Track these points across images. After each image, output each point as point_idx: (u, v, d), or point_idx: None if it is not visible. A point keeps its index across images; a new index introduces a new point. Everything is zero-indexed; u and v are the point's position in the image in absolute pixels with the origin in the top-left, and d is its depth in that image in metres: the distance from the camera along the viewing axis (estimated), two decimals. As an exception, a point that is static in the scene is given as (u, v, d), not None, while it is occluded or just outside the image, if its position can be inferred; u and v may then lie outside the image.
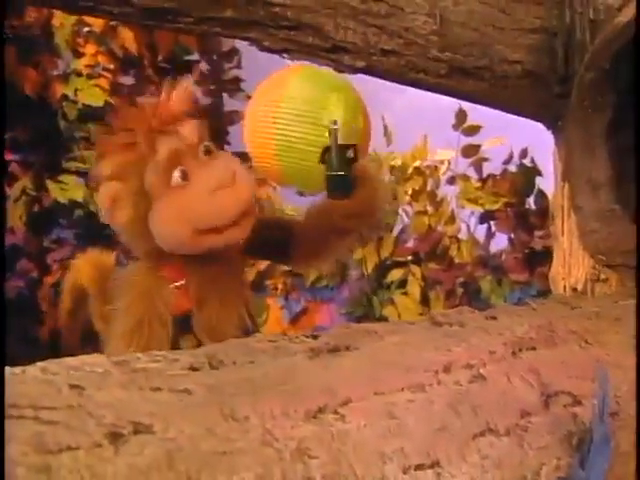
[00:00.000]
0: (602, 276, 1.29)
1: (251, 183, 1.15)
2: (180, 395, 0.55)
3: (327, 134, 1.45)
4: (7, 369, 0.52)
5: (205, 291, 1.11)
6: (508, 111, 1.44)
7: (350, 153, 1.22)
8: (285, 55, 1.32)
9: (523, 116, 1.44)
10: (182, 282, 1.10)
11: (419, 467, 0.59)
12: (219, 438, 0.52)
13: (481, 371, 0.71)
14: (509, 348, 0.76)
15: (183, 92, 1.18)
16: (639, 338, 0.86)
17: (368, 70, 1.32)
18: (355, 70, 1.32)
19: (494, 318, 0.84)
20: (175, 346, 1.06)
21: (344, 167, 1.20)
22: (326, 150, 1.23)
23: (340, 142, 1.38)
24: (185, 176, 1.09)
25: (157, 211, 1.08)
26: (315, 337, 0.71)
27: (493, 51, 1.32)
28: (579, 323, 0.86)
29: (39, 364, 0.54)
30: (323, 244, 1.24)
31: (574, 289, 1.35)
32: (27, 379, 0.51)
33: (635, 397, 0.79)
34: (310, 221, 1.26)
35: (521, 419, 0.69)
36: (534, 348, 0.78)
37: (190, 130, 1.13)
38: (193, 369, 0.60)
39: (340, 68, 1.32)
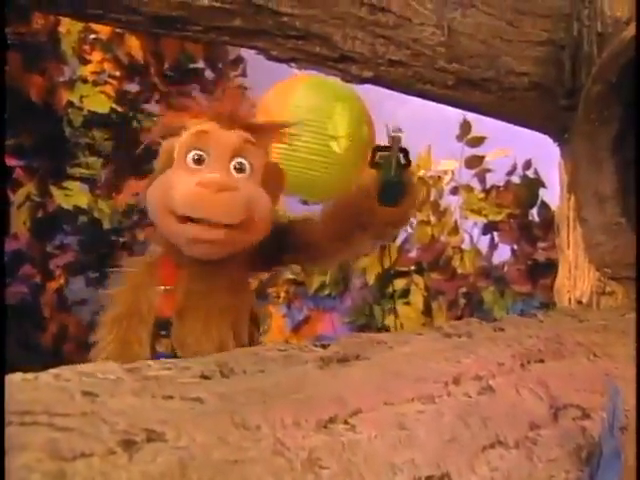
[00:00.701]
0: (608, 289, 1.29)
1: (240, 211, 1.08)
2: (192, 403, 0.55)
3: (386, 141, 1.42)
4: (19, 375, 0.53)
5: (191, 304, 1.11)
6: (515, 123, 1.44)
7: (403, 159, 1.19)
8: (293, 64, 1.31)
9: (530, 128, 1.44)
10: (170, 287, 1.11)
11: (429, 478, 0.59)
12: (231, 447, 0.52)
13: (490, 383, 0.71)
14: (517, 360, 0.76)
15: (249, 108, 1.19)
16: (639, 349, 0.86)
17: (375, 80, 1.32)
18: (362, 80, 1.32)
19: (502, 330, 0.84)
20: (153, 346, 1.08)
21: (400, 173, 1.18)
22: (375, 153, 1.20)
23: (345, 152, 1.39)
24: (199, 162, 1.09)
25: (163, 175, 1.10)
26: (325, 346, 0.71)
27: (500, 63, 1.32)
28: (586, 336, 0.86)
29: (52, 371, 0.54)
30: (340, 246, 1.23)
31: (579, 301, 1.35)
32: (40, 385, 0.51)
33: (635, 401, 0.80)
34: (328, 222, 1.23)
35: (530, 431, 0.69)
36: (542, 360, 0.78)
37: (233, 133, 1.13)
38: (204, 377, 0.60)
39: (347, 78, 1.31)
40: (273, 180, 1.17)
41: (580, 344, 0.83)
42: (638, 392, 0.79)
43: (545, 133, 1.44)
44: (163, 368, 0.59)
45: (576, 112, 1.29)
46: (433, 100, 1.38)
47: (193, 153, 1.09)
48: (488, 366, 0.73)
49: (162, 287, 1.11)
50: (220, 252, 1.11)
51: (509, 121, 1.44)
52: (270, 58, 1.28)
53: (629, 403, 0.78)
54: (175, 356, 1.07)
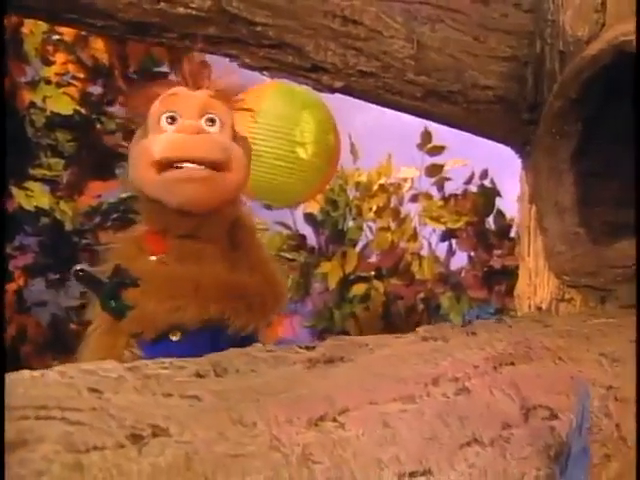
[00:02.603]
0: (567, 296, 1.34)
1: (218, 146, 1.11)
2: (190, 401, 0.58)
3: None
4: (27, 372, 0.55)
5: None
6: (479, 134, 1.48)
7: None
8: (265, 73, 1.34)
9: (493, 140, 1.49)
10: (161, 256, 1.13)
11: (413, 474, 0.63)
12: (231, 442, 0.54)
13: (466, 384, 0.75)
14: (490, 363, 0.80)
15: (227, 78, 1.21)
16: (639, 346, 0.90)
17: (346, 90, 1.36)
18: (333, 90, 1.35)
19: (474, 334, 0.88)
20: None
21: None
22: None
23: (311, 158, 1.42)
24: (173, 121, 1.12)
25: (138, 144, 1.13)
26: (310, 348, 0.74)
27: (466, 77, 1.37)
28: (552, 340, 0.90)
29: (57, 368, 0.56)
30: None
31: (539, 307, 1.40)
32: (50, 382, 0.53)
33: (635, 400, 0.84)
34: None
35: (503, 430, 0.73)
36: (513, 363, 0.82)
37: (201, 92, 1.16)
38: (199, 376, 0.63)
39: (319, 87, 1.35)
40: (244, 146, 1.20)
41: (547, 348, 0.87)
42: (638, 392, 0.84)
43: (508, 145, 1.49)
44: (161, 367, 0.62)
45: (538, 126, 1.34)
46: (402, 111, 1.42)
47: (165, 115, 1.12)
48: (464, 368, 0.76)
49: (153, 257, 1.14)
50: (207, 195, 1.11)
51: (474, 133, 1.48)
52: (243, 66, 1.30)
53: (592, 405, 0.82)
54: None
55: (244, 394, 0.61)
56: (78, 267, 1.11)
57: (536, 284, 1.41)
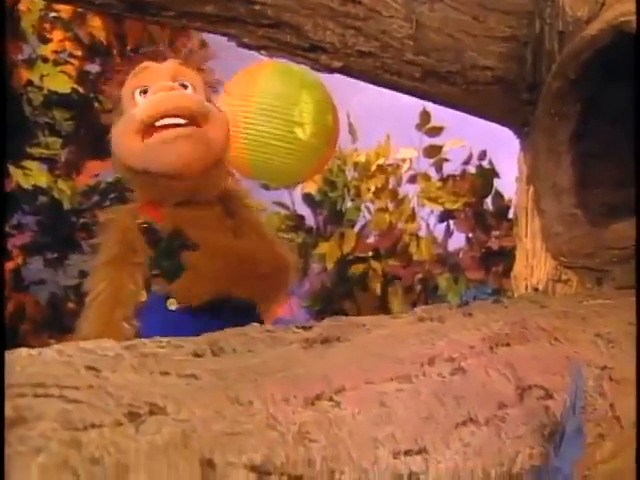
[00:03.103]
0: (563, 277, 1.34)
1: (195, 99, 1.17)
2: (187, 379, 0.58)
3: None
4: (24, 350, 0.55)
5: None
6: (478, 115, 1.48)
7: None
8: (264, 52, 1.34)
9: (492, 120, 1.48)
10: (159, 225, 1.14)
11: (408, 452, 0.63)
12: (228, 420, 0.55)
13: (462, 364, 0.75)
14: (486, 343, 0.80)
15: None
16: (639, 336, 0.91)
17: (344, 70, 1.35)
18: (332, 70, 1.35)
19: (470, 315, 0.88)
20: (148, 287, 1.10)
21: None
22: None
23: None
24: (147, 95, 1.16)
25: (115, 126, 1.16)
26: (307, 328, 0.74)
27: (465, 57, 1.36)
28: (549, 321, 0.90)
29: (55, 346, 0.56)
30: None
31: (536, 288, 1.40)
32: (48, 360, 0.54)
33: (635, 396, 0.84)
34: None
35: (498, 410, 0.73)
36: (508, 344, 0.83)
37: (169, 62, 1.18)
38: (197, 355, 0.63)
39: (317, 67, 1.34)
40: (220, 110, 1.25)
41: (543, 329, 0.88)
42: (638, 391, 0.84)
43: (506, 126, 1.48)
44: (158, 346, 0.62)
45: (537, 107, 1.34)
46: (400, 91, 1.41)
47: (138, 89, 1.16)
48: (460, 348, 0.77)
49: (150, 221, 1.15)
50: (194, 152, 1.14)
51: (473, 113, 1.48)
52: (241, 45, 1.30)
53: (587, 385, 0.83)
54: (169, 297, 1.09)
55: (241, 373, 0.61)
56: (141, 220, 1.13)
57: (533, 265, 1.42)
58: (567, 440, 0.71)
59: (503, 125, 1.49)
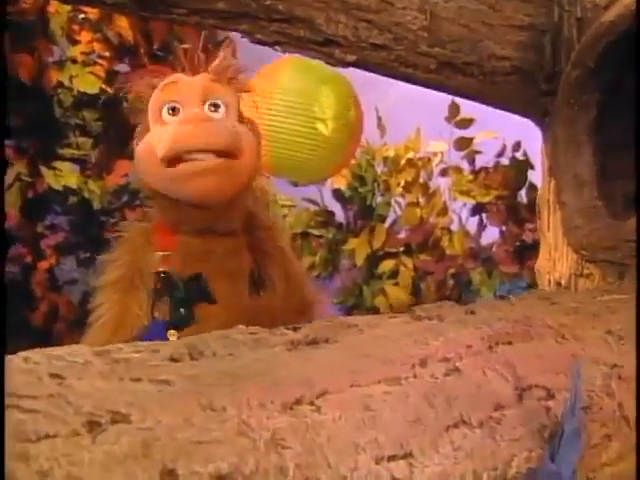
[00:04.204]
0: (585, 271, 1.31)
1: (225, 133, 1.08)
2: (159, 385, 0.57)
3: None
4: (-8, 358, 0.54)
5: (189, 270, 1.11)
6: (496, 107, 1.45)
7: None
8: (277, 47, 1.32)
9: (511, 112, 1.45)
10: (168, 253, 1.11)
11: (392, 458, 0.61)
12: (196, 428, 0.53)
13: (457, 364, 0.73)
14: (486, 342, 0.78)
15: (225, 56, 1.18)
16: (639, 336, 0.88)
17: (359, 64, 1.33)
18: (346, 64, 1.33)
19: (473, 313, 0.86)
20: (151, 312, 1.08)
21: None
22: None
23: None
24: (174, 112, 1.09)
25: (143, 140, 1.10)
26: (296, 329, 0.72)
27: (482, 47, 1.33)
28: (556, 318, 0.87)
29: (22, 353, 0.56)
30: None
31: (558, 283, 1.36)
32: (10, 368, 0.53)
33: (635, 396, 0.81)
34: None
35: (495, 411, 0.71)
36: (510, 342, 0.80)
37: (201, 77, 1.12)
38: (174, 360, 0.62)
39: (331, 62, 1.32)
40: (252, 129, 1.16)
41: (549, 326, 0.85)
42: (638, 391, 0.81)
43: (527, 117, 1.45)
44: (134, 351, 0.61)
45: (556, 96, 1.31)
46: (416, 84, 1.39)
47: (166, 106, 1.09)
48: (456, 348, 0.75)
49: (160, 252, 1.12)
50: (220, 185, 1.08)
51: (491, 105, 1.45)
52: (254, 41, 1.29)
53: (594, 384, 0.80)
54: (170, 322, 1.07)
55: (218, 378, 0.60)
56: (161, 269, 1.10)
57: (555, 259, 1.38)
58: (565, 442, 0.68)
59: (523, 116, 1.45)
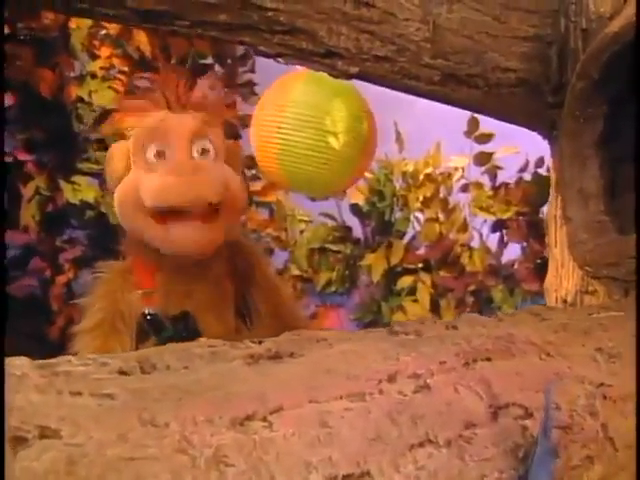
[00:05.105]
0: (590, 288, 1.27)
1: (214, 187, 1.07)
2: (101, 399, 0.55)
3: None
4: None
5: (172, 305, 1.09)
6: (502, 119, 1.43)
7: None
8: (280, 60, 1.31)
9: (517, 124, 1.43)
10: (148, 290, 1.09)
11: (347, 477, 0.59)
12: (130, 444, 0.51)
13: (428, 381, 0.70)
14: (461, 358, 0.75)
15: (206, 86, 1.16)
16: (639, 342, 0.84)
17: (362, 76, 1.32)
18: (349, 76, 1.31)
19: (455, 328, 0.83)
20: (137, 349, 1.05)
21: None
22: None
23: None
24: (160, 155, 1.07)
25: (124, 181, 1.08)
26: (260, 343, 0.70)
27: (486, 59, 1.31)
28: (542, 335, 0.84)
29: (-40, 365, 0.54)
30: None
31: (564, 300, 1.33)
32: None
33: (636, 399, 0.78)
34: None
35: (465, 430, 0.68)
36: (489, 359, 0.77)
37: (189, 118, 1.10)
38: (122, 373, 0.60)
39: (334, 73, 1.31)
40: (234, 158, 1.16)
41: (533, 343, 0.82)
42: (638, 392, 0.78)
43: (534, 130, 1.43)
44: (81, 364, 0.59)
45: (562, 109, 1.28)
46: (420, 96, 1.37)
47: (153, 148, 1.06)
48: (428, 364, 0.72)
49: (140, 291, 1.10)
50: (208, 241, 1.07)
51: (496, 117, 1.43)
52: (257, 53, 1.28)
53: (577, 403, 0.77)
54: None
55: (166, 393, 0.58)
56: (147, 311, 1.08)
57: (562, 276, 1.35)
58: (537, 463, 0.65)
59: (529, 129, 1.43)
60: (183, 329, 1.07)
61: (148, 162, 1.06)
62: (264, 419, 0.59)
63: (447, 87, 1.33)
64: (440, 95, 1.35)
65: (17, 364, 0.56)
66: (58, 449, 0.48)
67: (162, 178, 1.04)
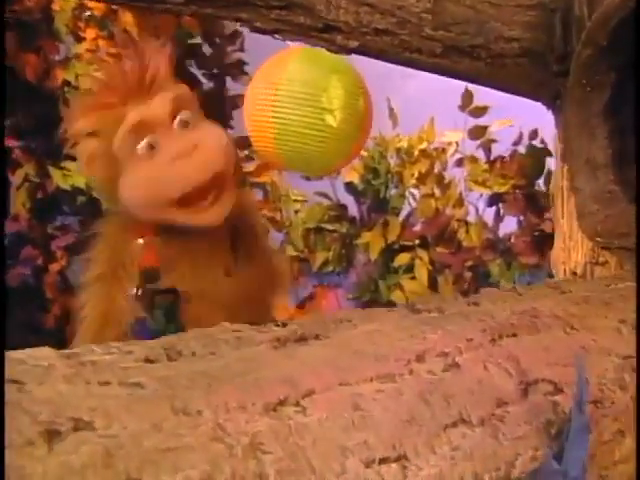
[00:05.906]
0: (601, 259, 1.26)
1: (218, 153, 1.12)
2: (130, 389, 0.53)
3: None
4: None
5: (173, 253, 1.12)
6: (506, 90, 1.40)
7: None
8: (277, 36, 1.28)
9: (521, 95, 1.40)
10: (149, 238, 1.10)
11: (384, 461, 0.57)
12: (165, 434, 0.49)
13: (456, 359, 0.68)
14: (488, 335, 0.73)
15: (159, 57, 1.16)
16: (639, 341, 0.83)
17: (362, 50, 1.29)
18: (348, 50, 1.29)
19: (476, 304, 0.81)
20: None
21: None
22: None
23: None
24: (152, 146, 1.09)
25: (126, 178, 1.10)
26: (284, 325, 0.68)
27: (489, 29, 1.29)
28: (565, 308, 0.83)
29: (-19, 358, 0.52)
30: None
31: (574, 273, 1.32)
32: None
33: (636, 397, 0.77)
34: None
35: (497, 408, 0.66)
36: (515, 335, 0.76)
37: (161, 102, 1.11)
38: (149, 361, 0.58)
39: (333, 48, 1.28)
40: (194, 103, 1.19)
41: (557, 317, 0.80)
42: (638, 389, 0.77)
43: (537, 100, 1.40)
44: (105, 353, 0.57)
45: (568, 78, 1.26)
46: (422, 69, 1.35)
47: (143, 144, 1.09)
48: (455, 342, 0.70)
49: (141, 239, 1.11)
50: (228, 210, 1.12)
51: (500, 89, 1.40)
52: (254, 30, 1.25)
53: (605, 376, 0.76)
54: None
55: (195, 380, 0.56)
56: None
57: (570, 248, 1.33)
58: (572, 440, 0.64)
59: (534, 99, 1.40)
60: (173, 302, 1.08)
61: (142, 157, 1.10)
62: (297, 404, 0.57)
63: (449, 59, 1.30)
64: (442, 67, 1.33)
65: (42, 355, 0.54)
66: (94, 441, 0.46)
67: (174, 166, 1.08)
